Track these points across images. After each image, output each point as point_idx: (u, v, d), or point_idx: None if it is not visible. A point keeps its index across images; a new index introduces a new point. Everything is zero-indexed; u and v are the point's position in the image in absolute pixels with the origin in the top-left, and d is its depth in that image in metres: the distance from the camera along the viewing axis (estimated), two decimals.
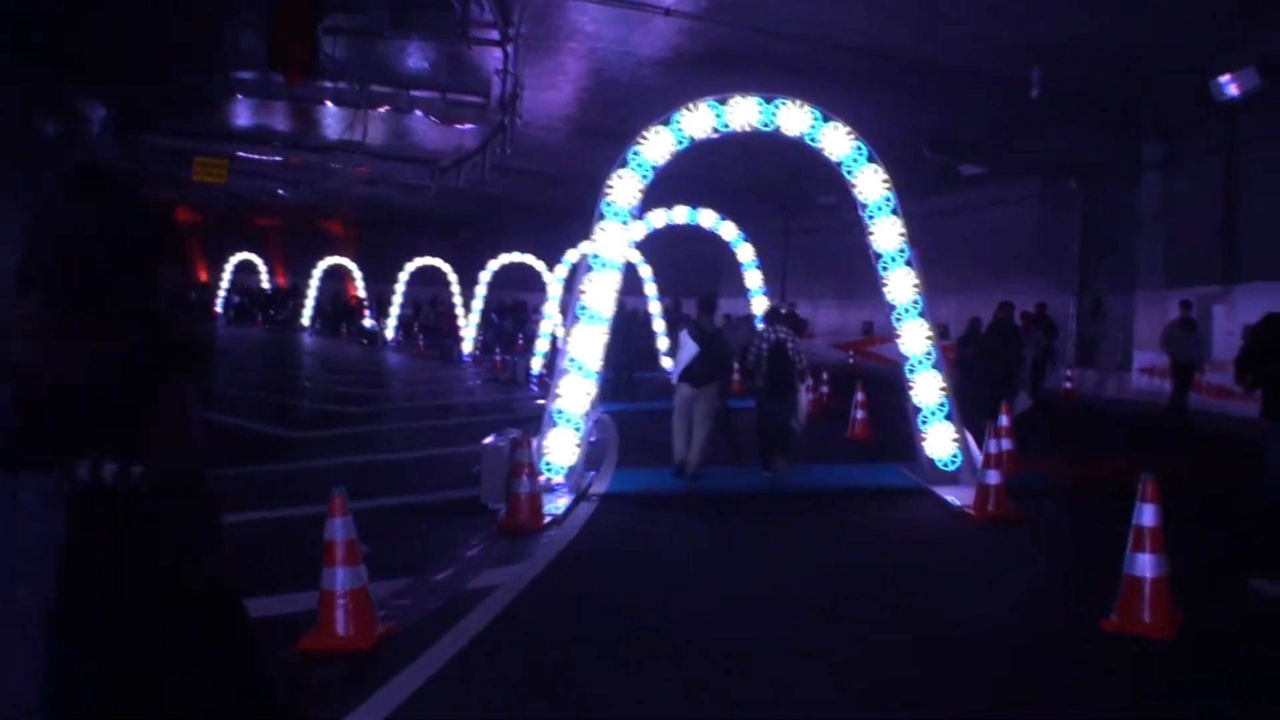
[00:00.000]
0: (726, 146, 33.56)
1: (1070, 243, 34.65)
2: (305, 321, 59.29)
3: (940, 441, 15.06)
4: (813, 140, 14.90)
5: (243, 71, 30.61)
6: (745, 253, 26.95)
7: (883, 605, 9.53)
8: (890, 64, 24.72)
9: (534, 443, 14.31)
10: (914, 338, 15.16)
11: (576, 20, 24.41)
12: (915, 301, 15.05)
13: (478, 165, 39.37)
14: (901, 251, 15.02)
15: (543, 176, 42.39)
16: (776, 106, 14.73)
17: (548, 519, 12.56)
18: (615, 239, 14.79)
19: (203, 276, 67.01)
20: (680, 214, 26.09)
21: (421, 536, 12.08)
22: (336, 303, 59.92)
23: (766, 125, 14.78)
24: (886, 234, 15.00)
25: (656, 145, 14.78)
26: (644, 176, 14.76)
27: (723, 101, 14.71)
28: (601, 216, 14.76)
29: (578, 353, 14.62)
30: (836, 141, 14.92)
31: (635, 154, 14.80)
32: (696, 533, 12.89)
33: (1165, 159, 29.27)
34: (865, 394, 21.06)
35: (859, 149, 14.94)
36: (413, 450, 18.51)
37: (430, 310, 55.58)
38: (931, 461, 15.12)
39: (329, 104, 33.62)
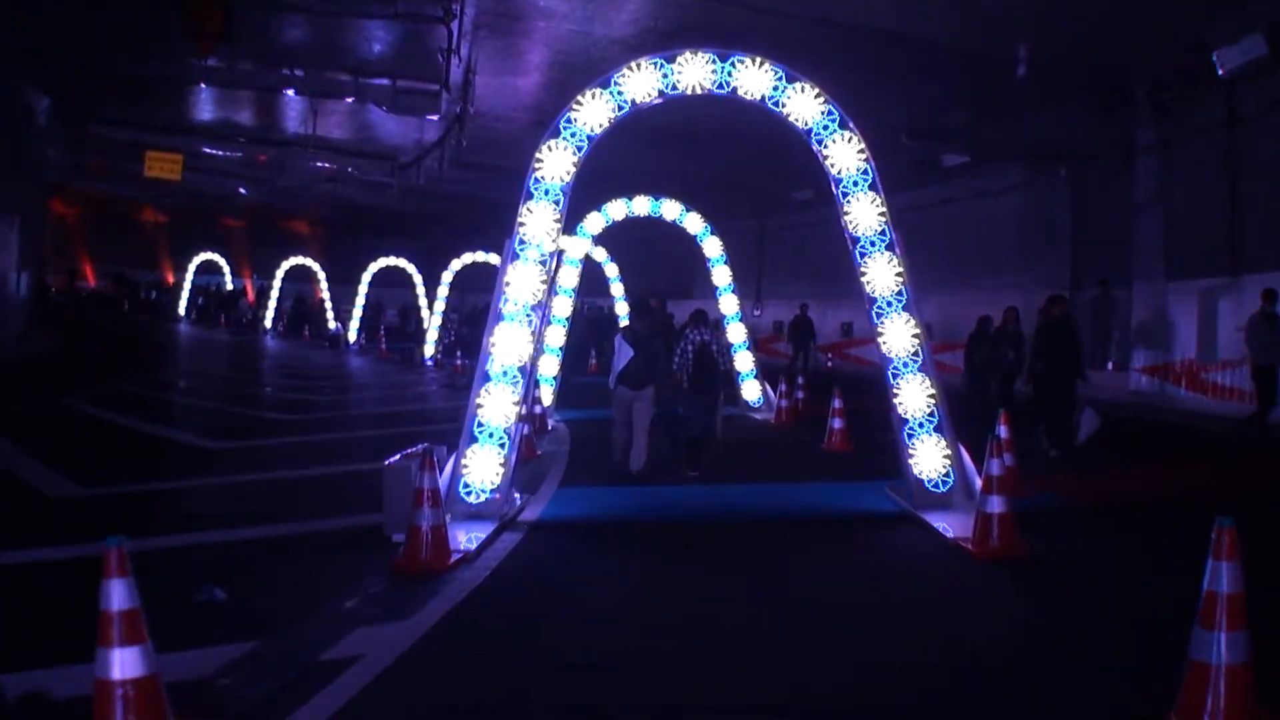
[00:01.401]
0: (697, 144, 31.38)
1: (1060, 234, 32.38)
2: (268, 324, 56.86)
3: (930, 458, 12.63)
4: (776, 105, 12.50)
5: (193, 58, 28.25)
6: (713, 247, 24.46)
7: (857, 689, 7.16)
8: (865, 41, 22.51)
9: (449, 462, 11.99)
10: (898, 336, 12.71)
11: None
12: (899, 293, 12.65)
13: (437, 160, 37.48)
14: (882, 234, 12.62)
15: (507, 172, 40.06)
16: (733, 65, 12.34)
17: (456, 556, 10.25)
18: (543, 222, 12.38)
19: (169, 278, 64.71)
20: (642, 205, 23.63)
21: (302, 577, 9.89)
22: (300, 304, 57.50)
23: (721, 87, 12.39)
24: (864, 213, 12.60)
25: (592, 111, 12.42)
26: (578, 148, 12.40)
27: (670, 59, 12.33)
28: (529, 196, 12.38)
29: (501, 356, 12.21)
30: (804, 106, 12.53)
31: (568, 122, 12.43)
32: (636, 572, 10.50)
33: (1161, 140, 26.92)
34: (843, 400, 18.63)
35: (830, 114, 12.53)
36: (337, 465, 16.19)
37: (395, 313, 53.42)
38: (920, 481, 12.67)
39: (288, 93, 31.68)
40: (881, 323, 12.72)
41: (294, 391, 28.72)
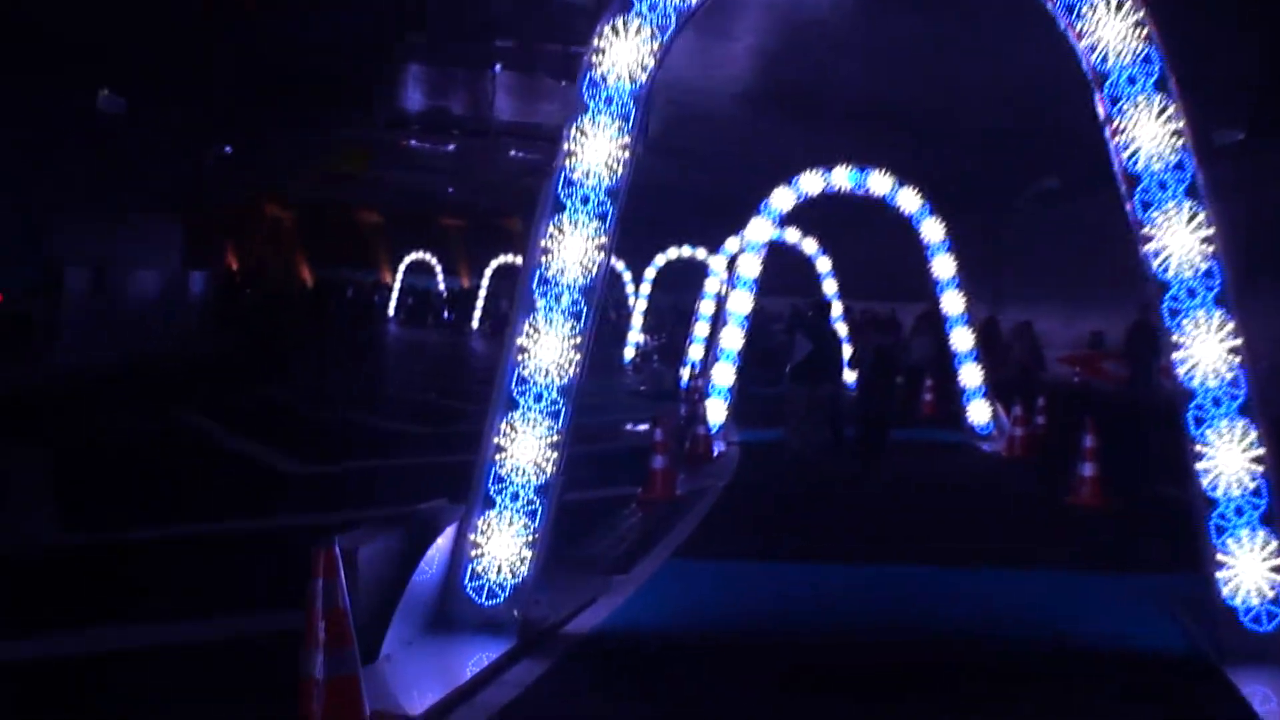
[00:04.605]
0: (914, 133, 25.87)
1: None
2: (475, 324, 53.48)
3: (1251, 570, 7.03)
4: None
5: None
6: (932, 230, 18.89)
7: None
8: None
9: (445, 535, 7.21)
10: (1205, 350, 7.16)
11: None
12: (1207, 274, 7.20)
13: (633, 149, 33.12)
14: (1178, 170, 7.21)
15: (712, 160, 35.52)
16: None
17: None
18: (603, 148, 7.44)
19: (385, 278, 62.27)
20: (841, 177, 18.25)
21: None
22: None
23: None
24: (1148, 131, 7.13)
25: None
26: (660, 28, 7.50)
27: None
28: (582, 108, 7.51)
29: (536, 366, 7.35)
30: None
31: None
32: None
33: None
34: (1097, 435, 12.93)
35: None
36: None
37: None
38: (1231, 610, 7.09)
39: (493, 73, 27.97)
40: (1178, 325, 7.27)
41: (451, 398, 24.35)
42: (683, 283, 38.08)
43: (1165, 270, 7.21)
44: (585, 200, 7.41)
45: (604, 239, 7.44)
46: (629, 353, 37.28)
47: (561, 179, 7.45)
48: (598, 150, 7.44)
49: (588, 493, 12.79)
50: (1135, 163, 7.23)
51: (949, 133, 28.03)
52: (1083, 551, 10.51)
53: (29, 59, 23.75)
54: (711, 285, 27.54)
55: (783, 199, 18.59)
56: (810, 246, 27.50)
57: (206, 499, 12.38)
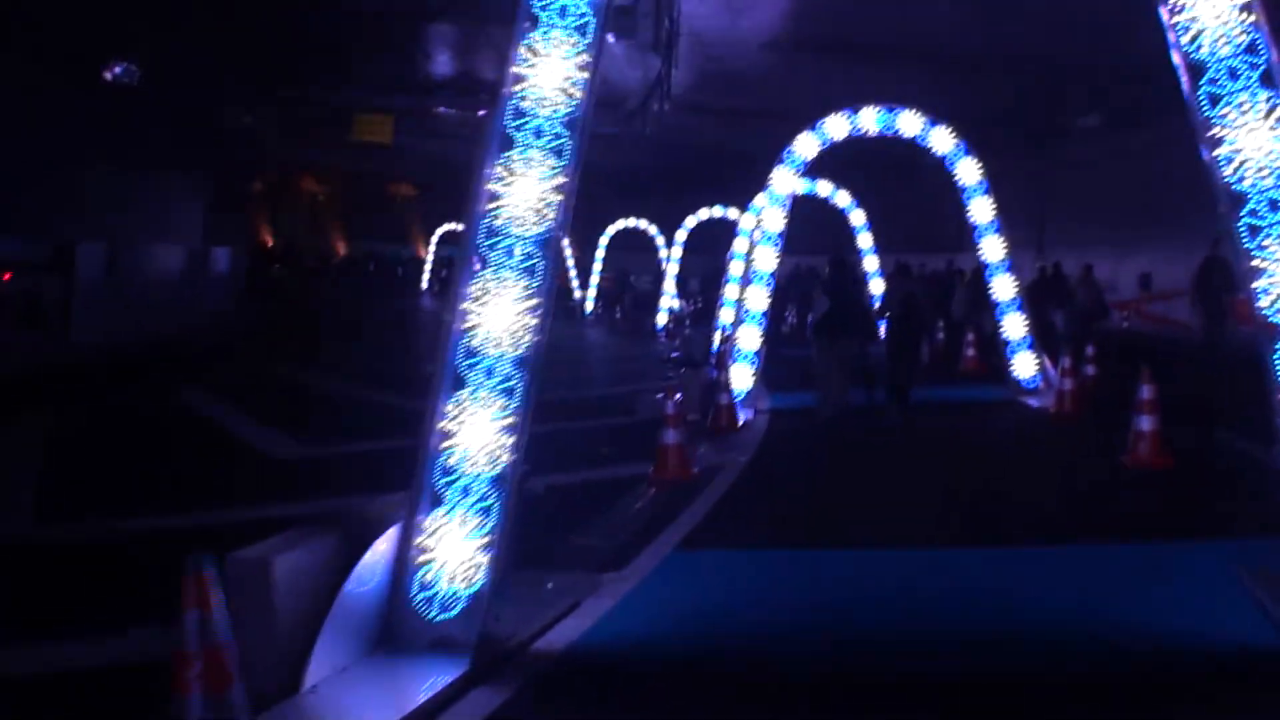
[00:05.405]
0: (951, 69, 24.39)
1: None
2: None
3: None
4: None
5: None
6: (968, 171, 17.12)
7: None
8: None
9: (386, 540, 6.07)
10: None
11: None
12: None
13: (660, 103, 31.73)
14: (1251, 53, 5.86)
15: (745, 116, 34.15)
16: None
17: None
18: (558, 67, 6.20)
19: (420, 251, 61.13)
20: (869, 119, 16.83)
21: None
22: None
23: None
24: (1211, 6, 5.87)
25: None
26: None
27: None
28: (528, 17, 6.26)
29: (485, 335, 6.14)
30: None
31: None
32: None
33: None
34: (1154, 385, 11.50)
35: None
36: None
37: (650, 279, 47.88)
38: None
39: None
40: (1260, 246, 5.93)
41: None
42: (716, 245, 36.83)
43: (1241, 179, 5.85)
44: (539, 133, 6.18)
45: (563, 179, 6.19)
46: (661, 319, 36.08)
47: (509, 109, 6.21)
48: (552, 72, 6.20)
49: (596, 472, 11.65)
50: (1199, 47, 5.87)
51: (984, 68, 26.42)
52: (1148, 519, 9.17)
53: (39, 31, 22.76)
54: (740, 245, 26.28)
55: (806, 146, 17.23)
56: (844, 199, 26.30)
57: (184, 487, 11.29)
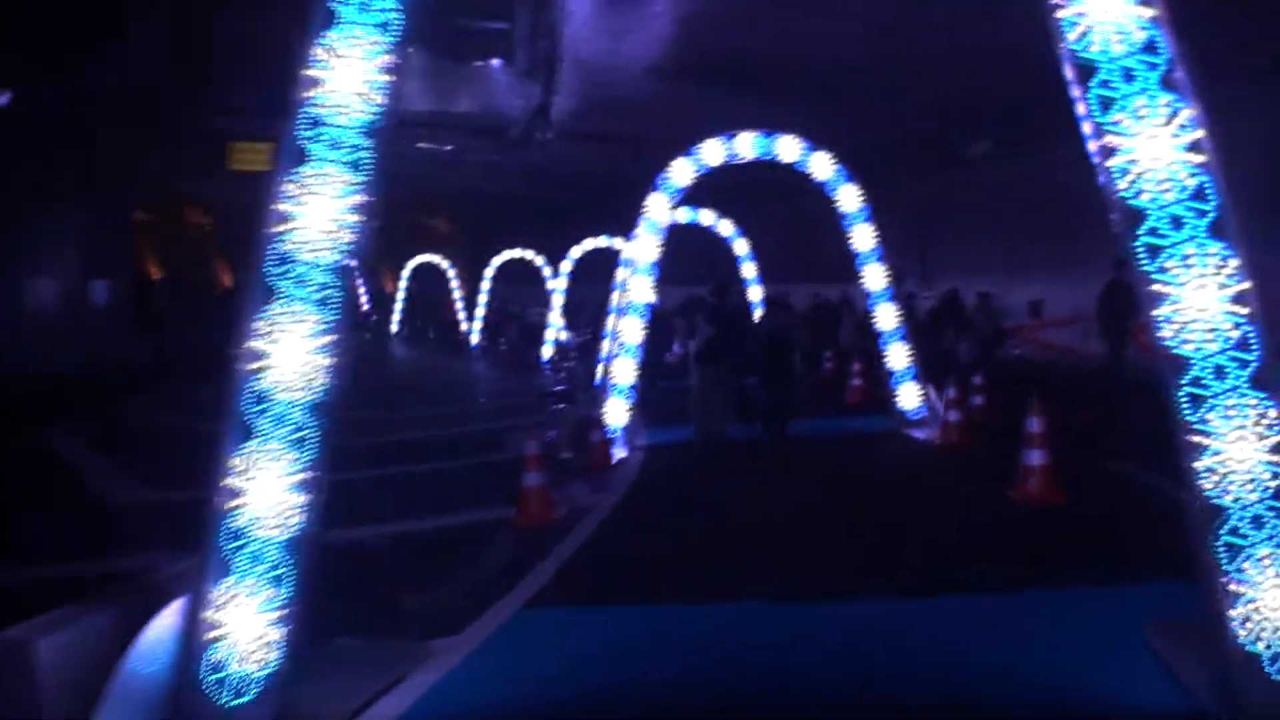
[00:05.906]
0: (835, 94, 24.00)
1: None
2: (394, 328, 51.00)
3: (1276, 608, 5.09)
4: None
5: None
6: (849, 198, 16.70)
7: None
8: None
9: (171, 614, 5.18)
10: (1202, 296, 5.05)
11: None
12: (1199, 193, 5.09)
13: (544, 130, 31.06)
14: (1150, 50, 5.17)
15: (631, 141, 33.50)
16: None
17: None
18: (355, 72, 5.35)
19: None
20: (746, 144, 16.17)
21: None
22: (421, 304, 51.38)
23: None
24: None
25: None
26: None
27: None
28: None
29: (275, 380, 5.25)
30: None
31: None
32: None
33: None
34: (1045, 416, 10.85)
35: None
36: None
37: (539, 311, 46.98)
38: (1250, 657, 5.10)
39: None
40: (1160, 268, 5.20)
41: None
42: (604, 275, 36.13)
43: (1138, 192, 5.15)
44: (335, 145, 5.31)
45: (362, 196, 5.32)
46: (547, 351, 35.20)
47: (302, 120, 5.33)
48: (350, 75, 5.34)
49: (453, 518, 10.76)
50: (1088, 45, 5.17)
51: (873, 94, 26.06)
52: (1040, 568, 8.42)
53: None
54: (623, 274, 25.60)
55: (682, 172, 16.51)
56: (727, 228, 25.77)
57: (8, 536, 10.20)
